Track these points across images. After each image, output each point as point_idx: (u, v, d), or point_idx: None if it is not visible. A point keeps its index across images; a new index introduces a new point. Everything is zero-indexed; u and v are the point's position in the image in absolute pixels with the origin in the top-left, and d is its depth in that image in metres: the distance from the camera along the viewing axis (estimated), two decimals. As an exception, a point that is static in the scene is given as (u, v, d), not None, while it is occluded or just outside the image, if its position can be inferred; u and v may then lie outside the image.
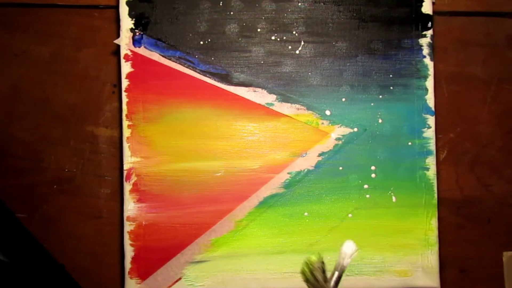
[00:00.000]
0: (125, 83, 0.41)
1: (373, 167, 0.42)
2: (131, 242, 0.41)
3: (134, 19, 0.41)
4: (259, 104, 0.42)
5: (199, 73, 0.42)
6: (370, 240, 0.41)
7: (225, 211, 0.41)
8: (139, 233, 0.41)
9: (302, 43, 0.42)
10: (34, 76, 0.43)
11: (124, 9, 0.41)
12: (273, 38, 0.42)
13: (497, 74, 0.44)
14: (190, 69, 0.42)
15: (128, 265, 0.41)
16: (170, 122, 0.41)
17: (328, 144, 0.42)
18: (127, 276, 0.41)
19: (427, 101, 0.42)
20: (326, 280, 0.31)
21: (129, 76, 0.41)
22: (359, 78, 0.42)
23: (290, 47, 0.42)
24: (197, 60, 0.42)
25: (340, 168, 0.42)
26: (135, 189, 0.41)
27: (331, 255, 0.41)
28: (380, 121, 0.42)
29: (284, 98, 0.42)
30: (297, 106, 0.42)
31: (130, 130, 0.41)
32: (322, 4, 0.42)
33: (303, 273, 0.32)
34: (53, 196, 0.42)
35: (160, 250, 0.41)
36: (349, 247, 0.32)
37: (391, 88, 0.42)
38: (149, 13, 0.42)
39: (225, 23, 0.42)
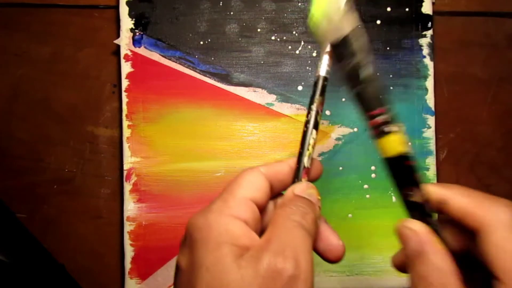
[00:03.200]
0: (125, 83, 0.41)
1: (373, 167, 0.42)
2: (131, 242, 0.41)
3: (134, 19, 0.41)
4: (259, 104, 0.42)
5: (199, 73, 0.42)
6: (370, 240, 0.41)
7: (225, 211, 0.41)
8: (139, 233, 0.41)
9: (302, 43, 0.42)
10: (34, 76, 0.43)
11: (124, 9, 0.41)
12: (273, 38, 0.42)
13: (497, 74, 0.44)
14: (190, 69, 0.42)
15: (128, 265, 0.41)
16: (170, 122, 0.41)
17: (328, 144, 0.42)
18: (127, 276, 0.41)
19: (427, 101, 0.42)
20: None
21: (129, 76, 0.41)
22: (359, 78, 0.42)
23: (290, 47, 0.42)
24: (197, 60, 0.42)
25: (340, 168, 0.42)
26: (135, 189, 0.41)
27: (331, 255, 0.41)
28: (380, 121, 0.42)
29: (284, 98, 0.42)
30: (297, 106, 0.42)
31: (130, 130, 0.41)
32: (322, 4, 0.42)
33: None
34: (53, 196, 0.42)
35: (160, 250, 0.41)
36: None
37: (391, 88, 0.42)
38: (149, 13, 0.42)
39: (225, 23, 0.42)
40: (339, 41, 0.24)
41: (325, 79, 0.26)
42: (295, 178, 0.26)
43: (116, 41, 0.41)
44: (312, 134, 0.26)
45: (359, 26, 0.24)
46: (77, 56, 0.43)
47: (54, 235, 0.42)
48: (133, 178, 0.41)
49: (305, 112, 0.42)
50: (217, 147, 0.41)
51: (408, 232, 0.23)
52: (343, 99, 0.42)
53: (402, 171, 0.24)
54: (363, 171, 0.42)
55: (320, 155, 0.42)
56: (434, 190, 0.24)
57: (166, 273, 0.41)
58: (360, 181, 0.41)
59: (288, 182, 0.26)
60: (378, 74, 0.24)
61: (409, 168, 0.24)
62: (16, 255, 0.40)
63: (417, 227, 0.23)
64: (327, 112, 0.42)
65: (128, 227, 0.41)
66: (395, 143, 0.24)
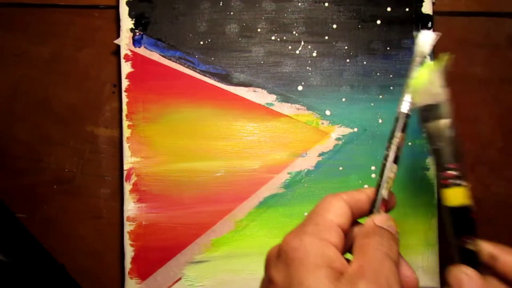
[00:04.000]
0: (125, 83, 0.41)
1: (373, 167, 0.42)
2: (131, 242, 0.41)
3: (134, 19, 0.41)
4: (259, 104, 0.42)
5: (199, 73, 0.42)
6: (370, 240, 0.41)
7: (225, 211, 0.41)
8: (139, 233, 0.41)
9: (302, 43, 0.42)
10: (34, 76, 0.43)
11: (124, 9, 0.41)
12: (273, 38, 0.42)
13: (497, 74, 0.44)
14: (190, 69, 0.42)
15: (128, 265, 0.41)
16: (170, 122, 0.41)
17: (328, 144, 0.42)
18: (127, 276, 0.41)
19: (427, 101, 0.42)
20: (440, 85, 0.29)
21: (129, 76, 0.41)
22: (359, 78, 0.42)
23: (290, 47, 0.42)
24: (197, 60, 0.42)
25: (340, 168, 0.42)
26: (135, 189, 0.41)
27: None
28: (380, 121, 0.42)
29: (284, 98, 0.42)
30: (297, 106, 0.42)
31: (130, 130, 0.41)
32: (322, 4, 0.42)
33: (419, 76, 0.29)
34: (53, 196, 0.42)
35: (160, 250, 0.41)
36: (426, 36, 0.30)
37: (391, 88, 0.42)
38: (149, 13, 0.42)
39: (225, 23, 0.42)
40: (430, 106, 0.28)
41: (407, 116, 0.28)
42: (373, 208, 0.27)
43: (116, 41, 0.41)
44: (392, 169, 0.28)
45: (448, 97, 0.28)
46: (77, 56, 0.43)
47: (54, 235, 0.42)
48: (133, 178, 0.41)
49: (304, 112, 0.42)
50: (217, 147, 0.41)
51: (463, 276, 0.26)
52: (343, 99, 0.42)
53: (464, 221, 0.27)
54: (363, 171, 0.42)
55: (320, 155, 0.42)
56: (486, 245, 0.27)
57: (166, 273, 0.41)
58: (360, 181, 0.41)
59: (365, 211, 0.28)
60: (457, 136, 0.28)
61: (471, 219, 0.27)
62: (16, 255, 0.40)
63: (472, 273, 0.26)
64: (327, 112, 0.42)
65: (128, 227, 0.41)
66: (462, 195, 0.27)
